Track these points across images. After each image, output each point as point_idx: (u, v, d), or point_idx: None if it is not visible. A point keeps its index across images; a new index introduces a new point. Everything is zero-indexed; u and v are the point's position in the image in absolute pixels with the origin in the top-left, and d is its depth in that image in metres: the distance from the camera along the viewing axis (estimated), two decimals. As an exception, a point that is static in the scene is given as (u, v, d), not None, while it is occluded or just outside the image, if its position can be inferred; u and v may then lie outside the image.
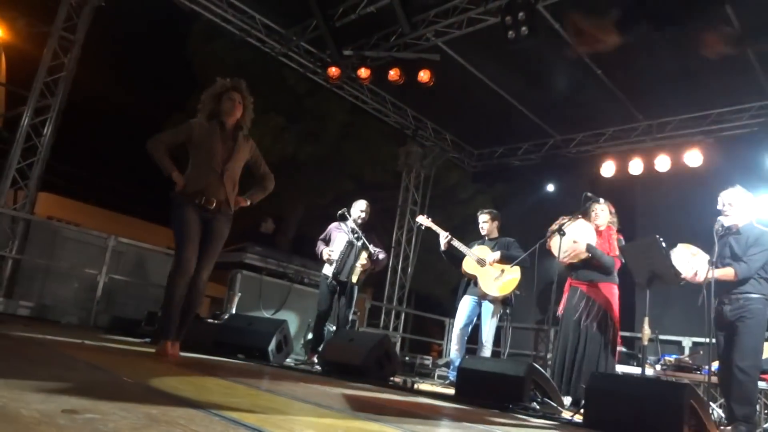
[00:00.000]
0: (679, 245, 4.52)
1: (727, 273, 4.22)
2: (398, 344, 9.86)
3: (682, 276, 4.34)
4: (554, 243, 4.97)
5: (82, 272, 6.91)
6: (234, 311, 6.46)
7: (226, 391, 2.16)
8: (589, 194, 5.03)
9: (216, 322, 5.80)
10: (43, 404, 1.24)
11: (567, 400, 4.48)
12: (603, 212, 5.14)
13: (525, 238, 5.77)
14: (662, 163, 8.23)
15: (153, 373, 2.39)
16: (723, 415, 4.56)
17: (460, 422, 2.53)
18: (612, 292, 4.95)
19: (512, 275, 5.69)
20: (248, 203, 4.06)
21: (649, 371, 5.55)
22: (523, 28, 6.25)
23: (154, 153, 3.77)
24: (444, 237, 5.94)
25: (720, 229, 4.38)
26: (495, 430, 2.39)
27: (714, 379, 4.50)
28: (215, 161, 3.81)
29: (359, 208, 6.17)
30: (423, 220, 6.31)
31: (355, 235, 5.98)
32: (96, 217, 19.45)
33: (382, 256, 6.21)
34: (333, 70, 8.03)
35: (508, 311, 6.22)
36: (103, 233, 7.23)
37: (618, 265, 4.95)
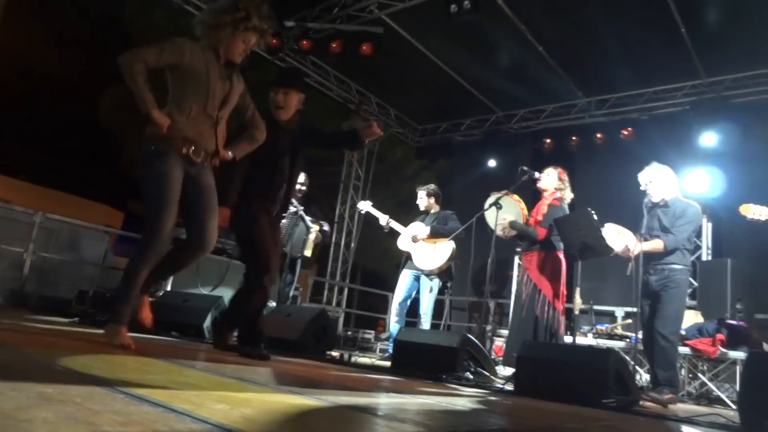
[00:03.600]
0: (607, 224, 4.65)
1: (656, 245, 4.38)
2: (341, 319, 9.88)
3: (615, 250, 4.49)
4: (489, 216, 5.04)
5: (7, 250, 6.58)
6: (169, 288, 6.29)
7: (144, 368, 2.08)
8: (524, 168, 5.11)
9: (150, 299, 5.63)
10: None
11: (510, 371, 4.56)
12: (548, 177, 5.20)
13: (468, 212, 5.82)
14: (599, 139, 8.46)
15: (67, 352, 2.29)
16: (649, 380, 4.77)
17: (388, 393, 2.54)
18: (547, 259, 4.95)
19: (445, 249, 5.75)
20: (231, 157, 3.23)
21: (582, 340, 5.74)
22: (466, 2, 6.25)
23: (131, 75, 2.74)
24: (384, 221, 6.03)
25: (648, 203, 4.55)
26: (419, 399, 2.40)
27: (641, 346, 4.69)
28: (211, 104, 2.99)
29: (299, 181, 6.08)
30: (363, 206, 6.35)
31: (295, 208, 5.89)
32: (29, 194, 18.58)
33: (326, 227, 6.19)
34: (274, 42, 7.82)
35: (448, 284, 6.31)
36: (30, 209, 6.89)
37: (542, 233, 4.96)
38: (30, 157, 19.97)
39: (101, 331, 2.86)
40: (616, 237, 4.54)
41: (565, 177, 5.26)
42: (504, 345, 4.94)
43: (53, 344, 2.58)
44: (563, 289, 4.89)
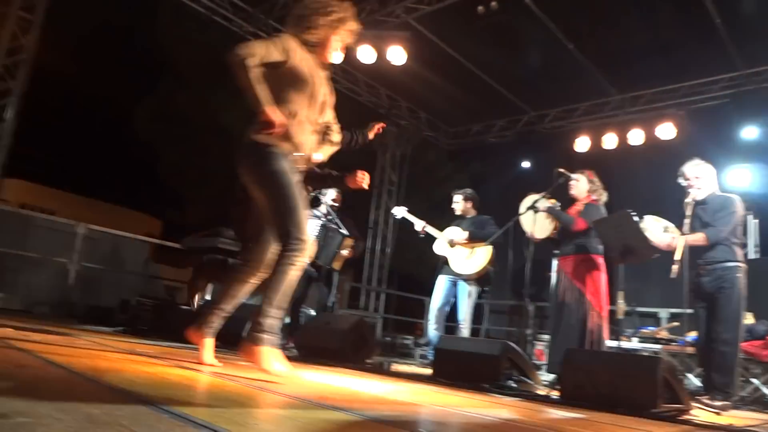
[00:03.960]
0: (647, 217, 4.49)
1: (697, 238, 4.21)
2: (379, 325, 9.86)
3: (657, 245, 4.32)
4: (525, 220, 4.94)
5: (52, 261, 6.76)
6: (208, 298, 6.36)
7: (188, 383, 2.09)
8: (559, 170, 4.99)
9: (191, 309, 5.71)
10: (-29, 410, 1.16)
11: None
12: (578, 183, 5.06)
13: (503, 216, 5.72)
14: (636, 136, 8.28)
15: (112, 366, 2.31)
16: (700, 385, 4.59)
17: (429, 405, 2.50)
18: (587, 263, 4.80)
19: (483, 254, 5.67)
20: (321, 160, 3.14)
21: (627, 344, 5.59)
22: (493, 3, 6.19)
23: (244, 70, 2.54)
24: (419, 226, 5.97)
25: (692, 201, 4.38)
26: (461, 410, 2.35)
27: (690, 349, 4.53)
28: (315, 109, 2.84)
29: (332, 194, 6.04)
30: (398, 212, 6.30)
31: (330, 218, 5.88)
32: (72, 205, 19.10)
33: (361, 243, 6.22)
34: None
35: (486, 289, 6.23)
36: (72, 221, 7.06)
37: (580, 224, 4.81)
38: (72, 169, 20.56)
39: (145, 342, 2.89)
40: (660, 232, 4.38)
41: (595, 178, 5.11)
42: (546, 350, 4.82)
43: (99, 357, 2.61)
44: (606, 293, 4.75)
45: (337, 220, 5.83)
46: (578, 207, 4.98)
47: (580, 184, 5.05)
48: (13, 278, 6.84)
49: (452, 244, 5.82)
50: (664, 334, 5.71)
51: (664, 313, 7.33)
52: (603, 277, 4.78)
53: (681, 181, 4.45)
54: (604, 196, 5.11)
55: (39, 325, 4.27)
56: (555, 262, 5.03)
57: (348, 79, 9.15)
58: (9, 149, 6.73)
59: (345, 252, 5.82)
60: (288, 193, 2.67)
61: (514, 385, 3.67)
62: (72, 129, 18.62)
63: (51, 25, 7.11)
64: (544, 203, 4.89)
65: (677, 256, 4.15)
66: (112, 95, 15.37)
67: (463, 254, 5.77)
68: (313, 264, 5.82)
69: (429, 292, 6.18)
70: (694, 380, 4.91)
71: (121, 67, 15.63)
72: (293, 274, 2.66)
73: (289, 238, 2.65)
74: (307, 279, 5.95)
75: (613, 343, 4.68)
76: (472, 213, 6.09)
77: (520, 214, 5.05)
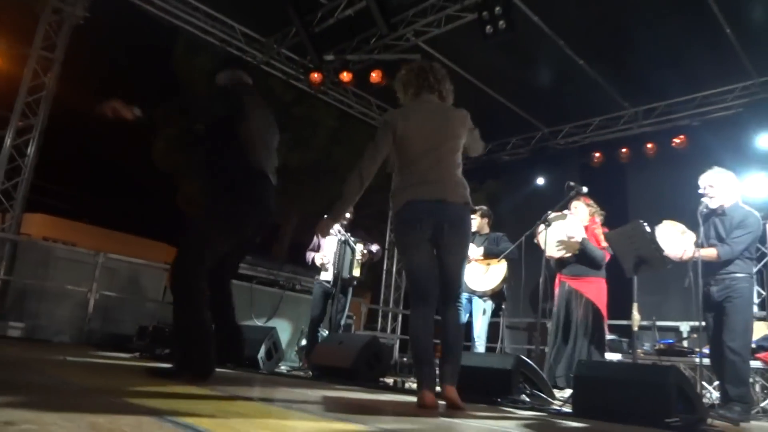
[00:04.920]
0: (665, 222, 4.49)
1: (709, 254, 4.20)
2: (396, 346, 9.82)
3: (670, 255, 4.31)
4: (542, 237, 4.97)
5: (72, 290, 6.87)
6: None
7: (195, 398, 2.12)
8: (571, 183, 5.03)
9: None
10: (-21, 418, 1.21)
11: (568, 393, 4.45)
12: (578, 209, 5.18)
13: (518, 233, 5.73)
14: (650, 149, 8.24)
15: (122, 383, 2.36)
16: (719, 397, 4.53)
17: (440, 418, 2.50)
18: (600, 286, 5.00)
19: (498, 270, 5.67)
20: None
21: (643, 358, 5.52)
22: (501, 22, 6.25)
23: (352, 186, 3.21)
24: None
25: (704, 210, 4.36)
26: (473, 423, 2.35)
27: (707, 361, 4.47)
28: None
29: None
30: None
31: (342, 234, 5.98)
32: (92, 236, 19.42)
33: (375, 248, 6.25)
34: (315, 76, 8.01)
35: (502, 306, 6.22)
36: (92, 250, 7.19)
37: (608, 257, 4.95)
38: (91, 201, 20.95)
39: (159, 365, 2.94)
40: (677, 237, 4.37)
41: (590, 200, 5.23)
42: (549, 365, 4.82)
43: (110, 376, 2.66)
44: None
45: (347, 237, 5.92)
46: (597, 236, 5.04)
47: (579, 212, 5.16)
48: (34, 308, 6.95)
49: (468, 260, 5.82)
50: (681, 346, 5.62)
51: (684, 326, 7.20)
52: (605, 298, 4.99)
53: (700, 186, 4.45)
54: (601, 217, 5.26)
55: (58, 353, 4.35)
56: (560, 280, 5.08)
57: (361, 104, 9.27)
58: (30, 183, 6.92)
59: (359, 257, 5.93)
60: None
61: (527, 399, 3.64)
62: (90, 162, 19.04)
63: (70, 61, 7.34)
64: (586, 239, 4.98)
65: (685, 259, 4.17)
66: (129, 127, 15.74)
67: (479, 271, 5.77)
68: (336, 280, 5.88)
69: (445, 312, 6.16)
70: (713, 392, 4.82)
71: (139, 98, 15.99)
72: None
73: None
74: (324, 298, 6.02)
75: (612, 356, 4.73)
76: (486, 230, 6.11)
77: (536, 231, 5.09)
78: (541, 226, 5.00)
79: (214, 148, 3.30)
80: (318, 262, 6.06)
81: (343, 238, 5.91)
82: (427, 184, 3.09)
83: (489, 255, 5.75)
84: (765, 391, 5.27)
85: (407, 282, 3.29)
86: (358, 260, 5.96)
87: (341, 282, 5.84)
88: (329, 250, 6.05)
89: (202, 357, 2.86)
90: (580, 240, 4.93)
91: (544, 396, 3.80)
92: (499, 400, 3.50)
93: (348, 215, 6.09)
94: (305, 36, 7.25)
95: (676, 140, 8.00)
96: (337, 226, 5.98)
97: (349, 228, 6.11)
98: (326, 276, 6.03)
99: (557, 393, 4.27)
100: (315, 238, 6.24)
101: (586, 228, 5.11)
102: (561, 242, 4.98)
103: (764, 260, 7.01)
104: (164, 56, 12.79)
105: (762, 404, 5.09)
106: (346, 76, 7.88)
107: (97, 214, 20.91)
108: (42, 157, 7.10)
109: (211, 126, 3.35)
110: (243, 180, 3.21)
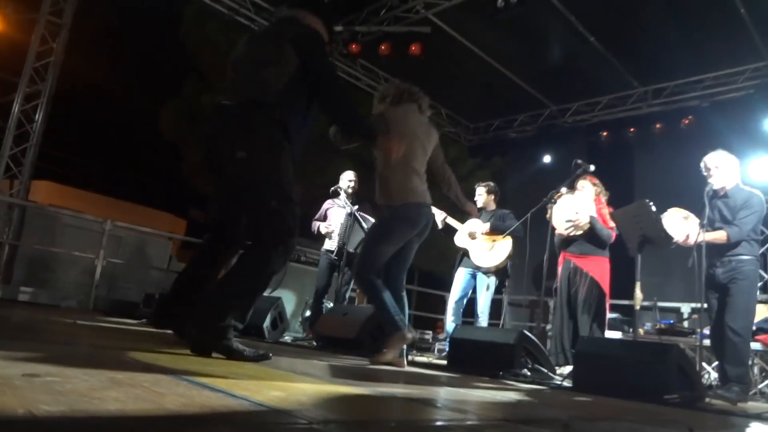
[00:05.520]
0: (670, 209, 4.51)
1: (719, 236, 4.21)
2: (399, 319, 9.88)
3: (674, 240, 4.34)
4: (553, 214, 5.01)
5: (79, 257, 6.95)
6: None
7: (206, 361, 2.18)
8: (578, 161, 5.02)
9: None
10: (4, 369, 1.25)
11: (568, 369, 4.52)
12: (585, 188, 5.18)
13: (524, 211, 5.75)
14: (659, 129, 8.21)
15: (136, 347, 2.41)
16: (717, 378, 4.59)
17: (444, 387, 2.55)
18: (604, 265, 5.03)
19: (503, 246, 5.70)
20: None
21: (644, 337, 5.58)
22: (513, -5, 6.19)
23: None
24: (440, 218, 5.97)
25: (710, 192, 4.37)
26: (476, 392, 2.40)
27: (707, 342, 4.52)
28: None
29: (347, 178, 6.12)
30: None
31: (352, 208, 5.98)
32: (98, 205, 19.48)
33: None
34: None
35: (506, 283, 6.26)
36: (99, 218, 7.25)
37: (614, 237, 4.97)
38: (99, 171, 20.98)
39: (167, 331, 2.99)
40: (681, 222, 4.39)
41: (596, 180, 5.24)
42: (553, 342, 4.88)
43: (122, 340, 2.72)
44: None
45: (354, 210, 5.88)
46: (604, 216, 5.05)
47: (587, 190, 5.15)
48: (42, 274, 7.05)
49: (473, 236, 5.84)
50: (682, 326, 5.68)
51: (686, 307, 7.25)
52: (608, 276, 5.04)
53: (702, 170, 4.45)
54: (606, 197, 5.28)
55: (66, 317, 4.42)
56: (564, 258, 5.12)
57: (369, 76, 9.22)
58: (39, 150, 6.95)
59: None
60: None
61: (528, 373, 3.71)
62: (97, 131, 19.00)
63: (78, 28, 7.32)
64: (594, 218, 5.01)
65: (693, 244, 4.19)
66: (137, 96, 15.66)
67: (484, 247, 5.80)
68: (340, 250, 5.90)
69: (449, 289, 6.21)
70: (713, 372, 4.88)
71: (145, 68, 15.91)
72: None
73: None
74: (330, 269, 6.04)
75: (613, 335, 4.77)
76: (492, 206, 6.11)
77: (547, 206, 5.11)
78: (553, 203, 5.03)
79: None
80: (323, 230, 6.04)
81: (349, 210, 5.92)
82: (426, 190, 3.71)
83: (495, 231, 5.76)
84: (763, 373, 5.33)
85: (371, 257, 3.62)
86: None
87: (347, 256, 5.86)
88: (336, 219, 6.05)
89: None
90: (588, 219, 4.95)
91: (545, 371, 3.85)
92: (501, 373, 3.56)
93: (353, 184, 6.09)
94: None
95: (685, 121, 7.96)
96: (344, 198, 6.00)
97: (356, 201, 6.09)
98: (331, 245, 5.99)
99: (557, 369, 4.34)
100: (322, 208, 6.26)
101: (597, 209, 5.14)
102: (570, 220, 5.00)
103: (766, 245, 7.02)
104: (173, 24, 12.67)
105: (760, 386, 5.16)
106: (354, 48, 7.84)
107: (103, 183, 20.95)
108: (49, 125, 7.11)
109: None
110: None
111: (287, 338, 5.77)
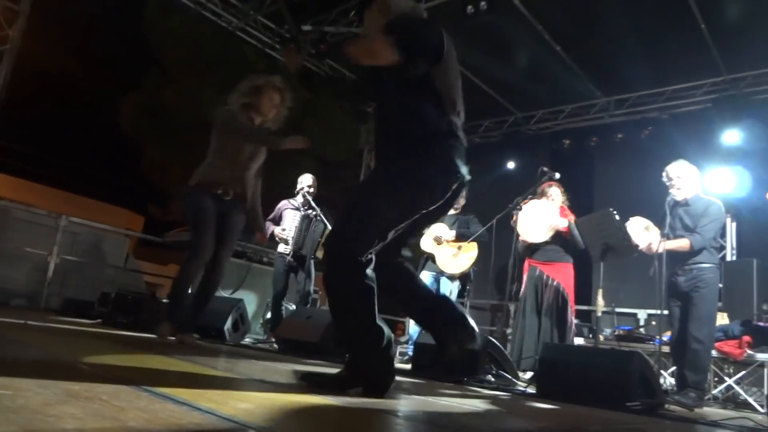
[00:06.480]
0: (632, 219, 4.59)
1: (681, 244, 4.30)
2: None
3: (638, 247, 4.42)
4: (519, 220, 5.05)
5: (31, 253, 6.68)
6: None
7: (167, 368, 2.09)
8: (544, 169, 5.10)
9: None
10: (-51, 382, 1.16)
11: (529, 375, 4.55)
12: (557, 195, 5.27)
13: (487, 215, 5.79)
14: (619, 139, 8.39)
15: (92, 352, 2.31)
16: (674, 383, 4.69)
17: (408, 395, 2.52)
18: (569, 272, 5.11)
19: (469, 252, 5.73)
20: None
21: (604, 343, 5.67)
22: (482, 3, 6.22)
23: None
24: None
25: (671, 201, 4.48)
26: (440, 400, 2.38)
27: (665, 348, 4.61)
28: (241, 158, 3.96)
29: (306, 183, 6.01)
30: None
31: (310, 210, 5.90)
32: (51, 199, 18.85)
33: None
34: (291, 46, 7.86)
35: (468, 287, 6.28)
36: (53, 213, 6.99)
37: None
38: (52, 163, 20.31)
39: (123, 333, 2.88)
40: (642, 233, 4.48)
41: (561, 187, 5.37)
42: (515, 347, 4.92)
43: (77, 344, 2.60)
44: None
45: (318, 211, 5.83)
46: (571, 220, 5.12)
47: (559, 196, 5.24)
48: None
49: (438, 240, 5.85)
50: (641, 333, 5.80)
51: (642, 313, 7.41)
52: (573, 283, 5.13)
53: (664, 179, 4.55)
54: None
55: (16, 317, 4.23)
56: (529, 264, 5.17)
57: (336, 77, 9.15)
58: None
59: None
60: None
61: (493, 379, 3.71)
62: (53, 123, 18.41)
63: (35, 17, 7.04)
64: (574, 224, 5.05)
65: (655, 251, 4.26)
66: (96, 89, 15.23)
67: (449, 252, 5.81)
68: (295, 254, 5.83)
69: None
70: (669, 378, 4.99)
71: (106, 61, 15.49)
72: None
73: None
74: (286, 272, 5.95)
75: (591, 342, 4.78)
76: (460, 203, 6.10)
77: (514, 212, 5.16)
78: (518, 209, 5.08)
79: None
80: (277, 235, 5.90)
81: (303, 213, 5.85)
82: None
83: (461, 237, 5.78)
84: (716, 379, 5.48)
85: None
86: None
87: (301, 259, 5.80)
88: (290, 222, 5.94)
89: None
90: (566, 225, 5.01)
91: (509, 377, 3.87)
92: (465, 379, 3.55)
93: (312, 190, 6.01)
94: (283, 4, 7.10)
95: (645, 132, 8.15)
96: (301, 199, 5.93)
97: (317, 201, 6.01)
98: (285, 249, 5.88)
99: (520, 375, 4.37)
100: (277, 208, 6.15)
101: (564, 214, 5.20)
102: (540, 227, 5.04)
103: (722, 253, 7.24)
104: (135, 15, 12.36)
105: (714, 391, 5.30)
106: (323, 48, 7.75)
107: (58, 177, 20.30)
108: (2, 115, 6.82)
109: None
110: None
111: (248, 340, 5.66)
